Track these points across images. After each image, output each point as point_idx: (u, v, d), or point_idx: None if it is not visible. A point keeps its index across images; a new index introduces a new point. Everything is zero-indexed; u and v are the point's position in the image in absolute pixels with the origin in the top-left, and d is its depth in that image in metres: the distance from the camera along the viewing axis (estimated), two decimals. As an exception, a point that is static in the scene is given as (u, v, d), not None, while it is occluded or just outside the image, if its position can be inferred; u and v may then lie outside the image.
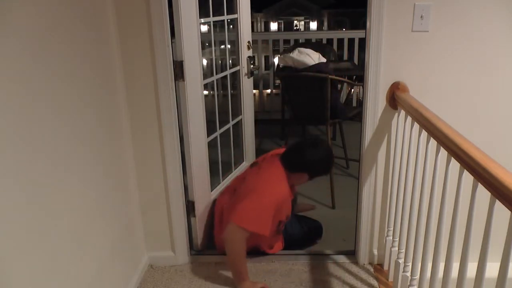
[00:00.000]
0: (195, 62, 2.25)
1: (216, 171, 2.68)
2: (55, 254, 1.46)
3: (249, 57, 2.89)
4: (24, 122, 1.30)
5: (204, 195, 2.49)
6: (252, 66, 2.92)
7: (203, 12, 2.30)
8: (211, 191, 2.57)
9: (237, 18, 2.75)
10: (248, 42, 2.87)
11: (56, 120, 1.48)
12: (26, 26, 1.32)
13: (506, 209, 1.13)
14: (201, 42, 2.29)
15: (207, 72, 2.54)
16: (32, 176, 1.33)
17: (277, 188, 2.16)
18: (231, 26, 2.77)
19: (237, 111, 2.92)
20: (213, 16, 2.48)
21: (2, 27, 1.21)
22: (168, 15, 1.99)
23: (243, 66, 2.87)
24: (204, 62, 2.47)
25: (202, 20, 2.33)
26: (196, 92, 2.29)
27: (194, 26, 2.21)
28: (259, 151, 3.12)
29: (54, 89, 1.46)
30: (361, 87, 3.62)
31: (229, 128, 2.79)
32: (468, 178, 1.37)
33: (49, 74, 1.44)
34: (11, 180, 1.23)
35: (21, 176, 1.28)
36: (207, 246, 2.52)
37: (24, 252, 1.29)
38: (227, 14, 2.64)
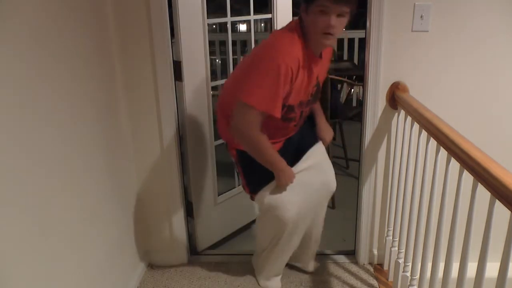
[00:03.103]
0: (198, 62, 2.23)
1: (232, 173, 2.63)
2: (55, 255, 1.46)
3: None
4: (25, 123, 1.30)
5: (208, 197, 2.47)
6: None
7: (221, 12, 2.24)
8: (219, 195, 2.51)
9: (271, 19, 2.55)
10: None
11: (56, 121, 1.48)
12: (25, 27, 1.32)
13: (506, 209, 1.13)
14: (233, 42, 2.15)
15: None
16: (33, 176, 1.33)
17: (284, 53, 1.64)
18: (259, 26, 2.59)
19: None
20: (241, 15, 2.38)
21: (1, 26, 1.21)
22: (168, 15, 1.98)
23: None
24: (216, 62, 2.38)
25: (216, 20, 2.25)
26: (199, 93, 2.27)
27: (198, 27, 2.19)
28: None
29: (53, 90, 1.46)
30: (361, 87, 3.62)
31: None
32: (468, 178, 1.37)
33: (49, 74, 1.44)
34: (11, 180, 1.23)
35: (21, 176, 1.28)
36: (207, 246, 2.52)
37: (24, 253, 1.29)
38: (261, 14, 2.50)
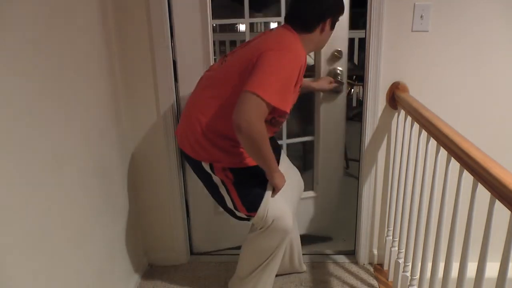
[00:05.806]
0: (197, 63, 2.22)
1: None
2: (55, 254, 1.46)
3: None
4: (26, 123, 1.30)
5: (208, 197, 2.44)
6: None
7: (221, 11, 2.24)
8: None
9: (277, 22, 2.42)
10: (337, 51, 2.19)
11: (56, 121, 1.48)
12: (24, 28, 1.32)
13: (506, 209, 1.13)
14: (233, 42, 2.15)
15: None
16: (32, 175, 1.33)
17: (298, 49, 1.63)
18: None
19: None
20: (242, 16, 2.34)
21: (1, 25, 1.21)
22: (168, 15, 1.98)
23: None
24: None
25: (219, 21, 2.25)
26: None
27: (197, 27, 2.16)
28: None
29: (52, 91, 1.46)
30: (361, 87, 3.62)
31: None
32: (468, 178, 1.37)
33: (48, 75, 1.43)
34: (11, 179, 1.23)
35: (21, 175, 1.28)
36: (207, 246, 2.52)
37: (24, 252, 1.29)
38: (260, 13, 2.48)
